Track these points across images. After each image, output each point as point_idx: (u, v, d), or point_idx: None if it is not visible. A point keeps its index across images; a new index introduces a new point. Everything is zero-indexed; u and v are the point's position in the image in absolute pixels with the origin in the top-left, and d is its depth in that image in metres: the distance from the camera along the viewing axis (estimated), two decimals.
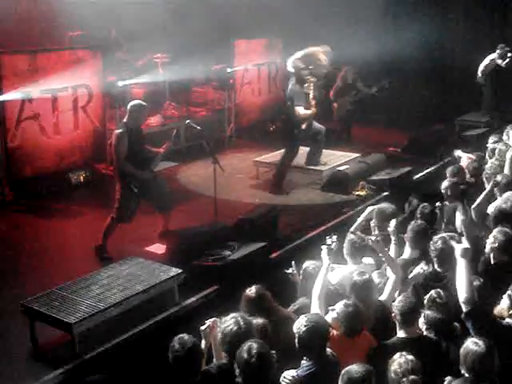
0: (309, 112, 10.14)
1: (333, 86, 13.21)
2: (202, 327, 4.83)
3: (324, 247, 5.50)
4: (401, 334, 4.89)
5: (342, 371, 4.14)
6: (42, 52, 10.36)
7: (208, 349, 4.83)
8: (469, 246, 4.96)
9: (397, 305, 4.92)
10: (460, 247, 4.95)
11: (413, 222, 6.48)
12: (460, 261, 4.91)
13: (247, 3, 14.48)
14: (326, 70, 10.24)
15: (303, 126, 10.16)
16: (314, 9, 15.59)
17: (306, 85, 10.10)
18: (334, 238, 5.60)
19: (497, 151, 8.94)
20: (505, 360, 4.26)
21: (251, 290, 5.26)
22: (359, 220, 7.10)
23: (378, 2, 15.72)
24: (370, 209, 7.17)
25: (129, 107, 7.98)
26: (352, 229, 6.88)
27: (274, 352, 4.29)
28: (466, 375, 4.15)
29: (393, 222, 6.33)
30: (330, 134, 11.91)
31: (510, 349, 4.36)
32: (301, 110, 10.07)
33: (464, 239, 5.13)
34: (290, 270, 6.03)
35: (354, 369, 4.11)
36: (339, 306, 4.98)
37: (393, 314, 4.94)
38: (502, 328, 4.73)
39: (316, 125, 10.63)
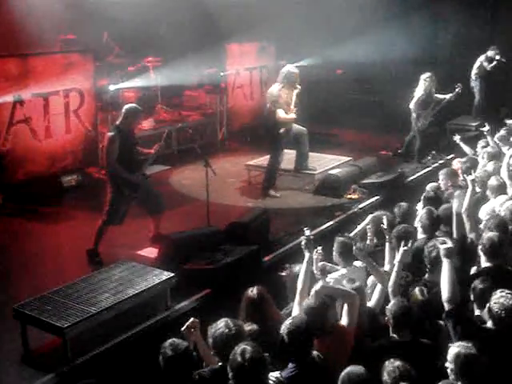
0: (289, 116, 10.17)
1: (414, 97, 12.10)
2: (182, 328, 4.82)
3: (303, 238, 5.50)
4: (393, 336, 4.90)
5: (343, 372, 4.15)
6: (33, 56, 10.36)
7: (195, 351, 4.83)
8: (452, 246, 5.06)
9: (390, 308, 4.93)
10: (443, 247, 5.05)
11: (396, 227, 6.47)
12: (444, 261, 5.01)
13: (239, 7, 14.49)
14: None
15: (281, 130, 10.18)
16: (306, 14, 15.65)
17: (294, 91, 10.17)
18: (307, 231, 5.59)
19: (486, 155, 8.98)
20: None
21: (253, 291, 5.27)
22: (359, 227, 7.08)
23: (368, 7, 15.75)
24: (370, 217, 7.14)
25: (124, 110, 7.96)
26: (351, 235, 6.86)
27: (267, 355, 4.29)
28: (457, 380, 4.17)
29: (385, 221, 6.31)
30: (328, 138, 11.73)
31: (489, 350, 4.37)
32: (281, 113, 10.09)
33: (448, 240, 5.21)
34: (284, 273, 6.01)
35: (355, 370, 4.14)
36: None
37: (386, 318, 4.95)
38: (482, 329, 4.77)
39: (297, 127, 10.61)
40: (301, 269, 5.41)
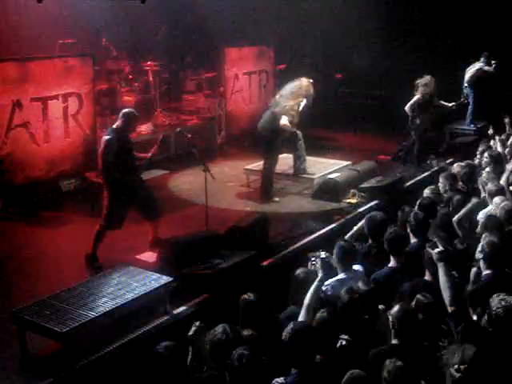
0: (289, 126, 10.19)
1: (411, 100, 12.23)
2: (189, 332, 4.81)
3: (318, 260, 5.51)
4: (395, 341, 4.89)
5: (345, 377, 4.18)
6: (32, 60, 10.33)
7: (197, 356, 4.82)
8: (443, 249, 5.10)
9: (393, 313, 4.92)
10: (435, 251, 5.10)
11: (388, 231, 6.48)
12: (438, 265, 5.12)
13: (238, 11, 14.52)
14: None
15: (279, 137, 10.23)
16: (306, 18, 15.67)
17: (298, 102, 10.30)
18: (323, 253, 5.60)
19: (487, 159, 8.99)
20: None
21: (250, 296, 5.26)
22: (355, 229, 7.09)
23: (368, 12, 15.76)
24: (366, 217, 7.14)
25: (121, 115, 7.98)
26: (346, 237, 6.87)
27: (265, 359, 4.28)
28: None
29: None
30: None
31: (491, 352, 4.39)
32: (284, 121, 10.11)
33: (439, 243, 5.26)
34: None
35: (358, 374, 4.17)
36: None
37: (390, 322, 4.94)
38: (484, 331, 4.78)
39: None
40: (313, 285, 5.39)
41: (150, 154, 8.20)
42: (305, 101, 10.30)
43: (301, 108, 10.29)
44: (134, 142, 8.47)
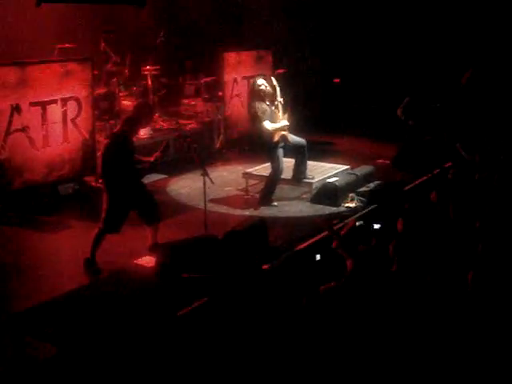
0: (279, 125, 10.15)
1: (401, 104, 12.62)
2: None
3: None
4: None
5: None
6: (31, 64, 10.33)
7: None
8: None
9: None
10: None
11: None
12: None
13: (237, 15, 14.53)
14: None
15: (276, 138, 10.17)
16: (305, 21, 15.70)
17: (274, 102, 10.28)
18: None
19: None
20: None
21: None
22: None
23: (369, 16, 15.82)
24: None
25: (124, 120, 8.00)
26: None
27: None
28: None
29: None
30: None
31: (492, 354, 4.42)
32: (268, 125, 10.08)
33: None
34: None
35: None
36: None
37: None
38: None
39: (296, 138, 10.58)
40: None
41: (153, 159, 8.21)
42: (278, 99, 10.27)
43: (279, 105, 10.22)
44: (135, 146, 8.47)
